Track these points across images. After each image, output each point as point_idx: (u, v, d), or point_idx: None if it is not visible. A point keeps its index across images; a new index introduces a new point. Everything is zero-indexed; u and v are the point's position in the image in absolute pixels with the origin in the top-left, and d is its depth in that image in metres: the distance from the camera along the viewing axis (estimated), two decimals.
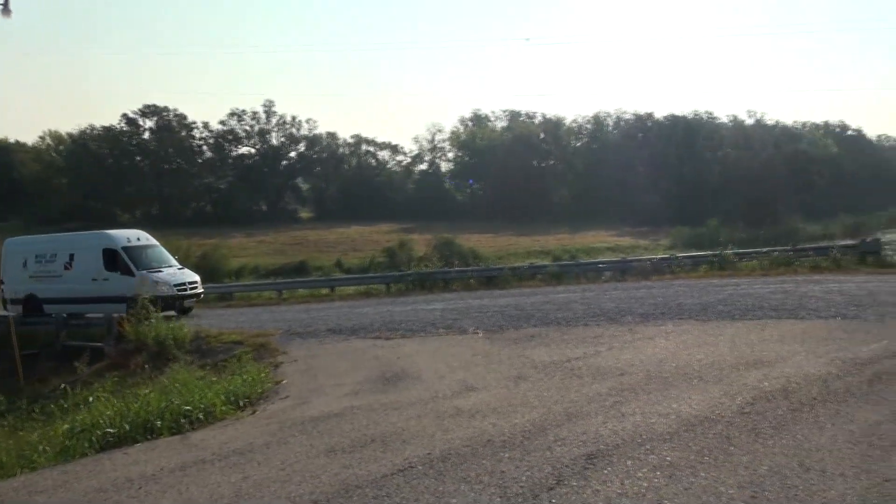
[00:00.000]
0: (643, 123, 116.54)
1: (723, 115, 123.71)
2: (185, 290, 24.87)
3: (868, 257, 25.52)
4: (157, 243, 26.77)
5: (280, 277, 44.01)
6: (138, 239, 26.14)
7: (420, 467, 6.78)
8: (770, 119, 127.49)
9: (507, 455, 6.94)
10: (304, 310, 23.74)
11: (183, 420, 9.58)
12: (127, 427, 9.11)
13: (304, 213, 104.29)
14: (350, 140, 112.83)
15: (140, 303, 21.52)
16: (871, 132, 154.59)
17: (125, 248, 24.96)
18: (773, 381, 9.25)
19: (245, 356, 14.60)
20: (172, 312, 23.36)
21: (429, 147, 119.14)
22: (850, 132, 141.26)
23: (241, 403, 10.56)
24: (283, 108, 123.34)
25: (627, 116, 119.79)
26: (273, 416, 9.64)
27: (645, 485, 6.03)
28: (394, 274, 32.73)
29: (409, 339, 15.63)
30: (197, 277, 26.08)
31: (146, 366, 14.33)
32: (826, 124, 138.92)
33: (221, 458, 7.67)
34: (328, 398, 10.47)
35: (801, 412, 7.88)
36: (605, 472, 6.37)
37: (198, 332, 17.75)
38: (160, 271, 24.86)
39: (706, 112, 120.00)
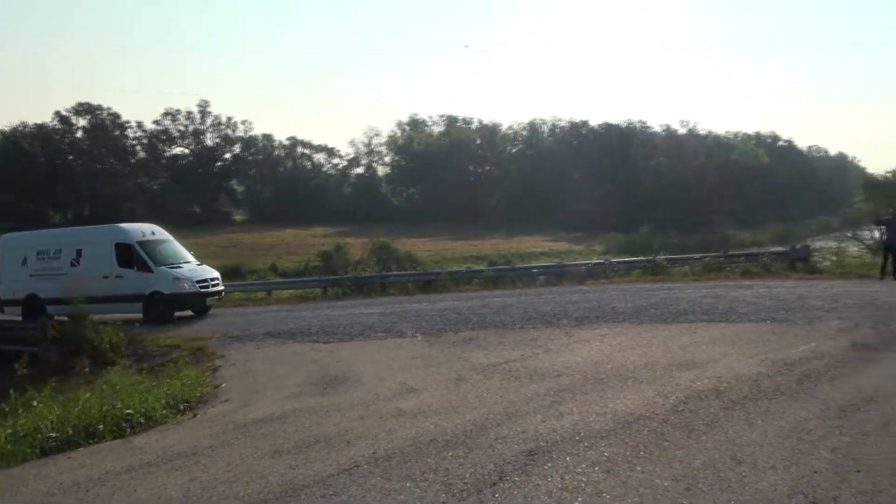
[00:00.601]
0: (578, 131, 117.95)
1: (656, 125, 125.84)
2: (208, 287, 23.36)
3: (798, 263, 26.26)
4: (172, 238, 25.20)
5: None
6: (153, 233, 24.49)
7: (366, 466, 6.92)
8: (703, 129, 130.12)
9: (450, 453, 7.13)
10: (240, 313, 23.51)
11: (124, 424, 9.55)
12: (70, 431, 9.04)
13: (239, 216, 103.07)
14: (286, 142, 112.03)
15: (160, 301, 22.02)
16: (802, 143, 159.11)
17: (141, 243, 23.33)
18: (706, 381, 9.60)
19: (182, 360, 14.51)
20: (189, 312, 23.12)
21: (365, 151, 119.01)
22: (781, 143, 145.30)
23: (181, 407, 10.55)
24: (219, 109, 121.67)
25: (563, 124, 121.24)
26: (214, 419, 9.67)
27: (584, 479, 6.28)
28: (331, 278, 32.64)
29: (348, 342, 15.68)
30: (217, 274, 24.63)
31: (87, 370, 14.17)
32: (758, 135, 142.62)
33: (167, 460, 7.70)
34: (269, 401, 10.51)
35: (733, 410, 8.21)
36: (546, 467, 6.60)
37: (134, 336, 17.59)
38: (179, 267, 23.39)
39: (640, 121, 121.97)
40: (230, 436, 8.51)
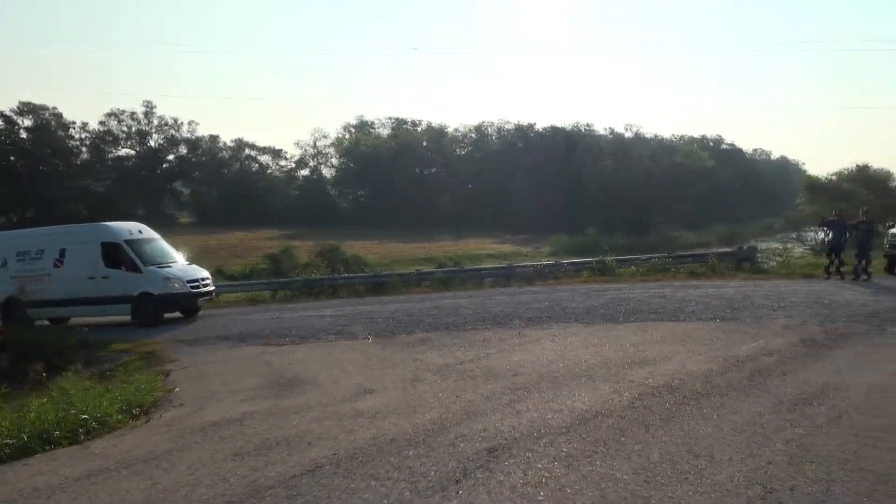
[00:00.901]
0: (525, 134, 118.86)
1: (602, 128, 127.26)
2: (199, 287, 22.64)
3: (743, 264, 26.69)
4: (159, 237, 24.32)
5: None
6: (140, 232, 23.55)
7: (328, 467, 6.92)
8: (648, 132, 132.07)
9: (412, 452, 7.17)
10: (189, 317, 23.22)
11: (79, 430, 9.39)
12: (26, 438, 8.87)
13: (184, 219, 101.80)
14: (232, 144, 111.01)
15: (149, 302, 21.37)
16: (746, 146, 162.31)
17: (128, 242, 22.39)
18: (658, 378, 9.77)
19: (133, 364, 14.29)
20: (178, 314, 22.54)
21: (312, 153, 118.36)
22: (725, 146, 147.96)
23: (135, 412, 10.42)
24: (164, 110, 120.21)
25: (509, 126, 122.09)
26: (170, 423, 9.56)
27: (546, 474, 6.37)
28: (280, 280, 32.47)
29: (301, 345, 15.62)
30: (207, 273, 23.89)
31: (43, 375, 13.88)
32: (702, 138, 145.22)
33: (126, 465, 7.61)
34: (224, 405, 10.43)
35: (687, 405, 8.38)
36: (508, 463, 6.68)
37: (83, 341, 17.30)
38: (169, 267, 22.57)
39: (586, 124, 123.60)
40: (188, 439, 8.43)
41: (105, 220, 24.24)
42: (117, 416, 9.94)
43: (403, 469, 6.70)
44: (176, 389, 11.85)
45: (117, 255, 22.15)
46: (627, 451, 6.91)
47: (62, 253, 22.90)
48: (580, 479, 6.22)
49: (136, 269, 21.82)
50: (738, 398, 8.64)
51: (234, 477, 6.88)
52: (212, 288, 23.94)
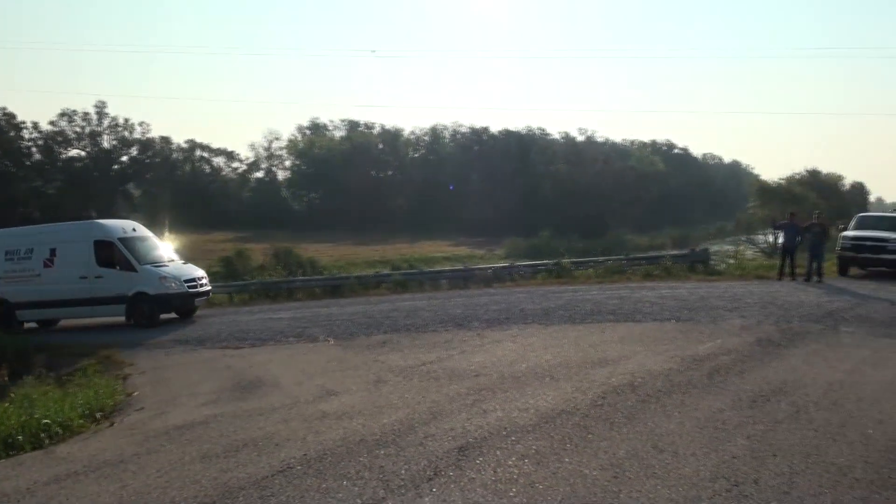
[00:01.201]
0: (479, 137, 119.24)
1: (555, 132, 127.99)
2: (196, 286, 22.02)
3: (697, 266, 27.10)
4: (152, 234, 23.75)
5: None
6: (134, 230, 22.82)
7: (299, 467, 6.94)
8: (600, 136, 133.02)
9: (382, 452, 7.21)
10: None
11: (42, 434, 9.31)
12: None
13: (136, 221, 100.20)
14: (184, 145, 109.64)
15: (145, 303, 20.76)
16: (697, 151, 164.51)
17: (122, 240, 21.63)
18: (620, 377, 9.92)
19: (91, 368, 14.14)
20: (173, 315, 22.02)
21: (265, 155, 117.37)
22: (676, 150, 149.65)
23: (97, 416, 10.33)
24: (117, 110, 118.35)
25: (464, 130, 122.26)
26: (133, 427, 9.50)
27: (516, 471, 6.47)
28: (237, 283, 32.32)
29: (260, 347, 15.59)
30: (203, 273, 23.33)
31: (6, 379, 13.65)
32: (653, 142, 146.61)
33: (94, 469, 7.56)
34: (186, 408, 10.38)
35: (650, 403, 8.53)
36: (478, 461, 6.77)
37: (41, 345, 17.08)
38: (165, 266, 21.95)
39: (539, 128, 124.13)
40: (154, 443, 8.39)
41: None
42: (80, 421, 9.87)
43: (375, 468, 6.74)
44: (136, 393, 11.79)
45: (111, 253, 21.48)
46: (594, 448, 7.03)
47: (53, 252, 22.07)
48: (550, 476, 6.33)
49: (130, 268, 21.19)
50: (699, 396, 8.82)
51: (205, 479, 6.87)
52: (208, 288, 23.44)
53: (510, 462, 6.71)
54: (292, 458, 7.26)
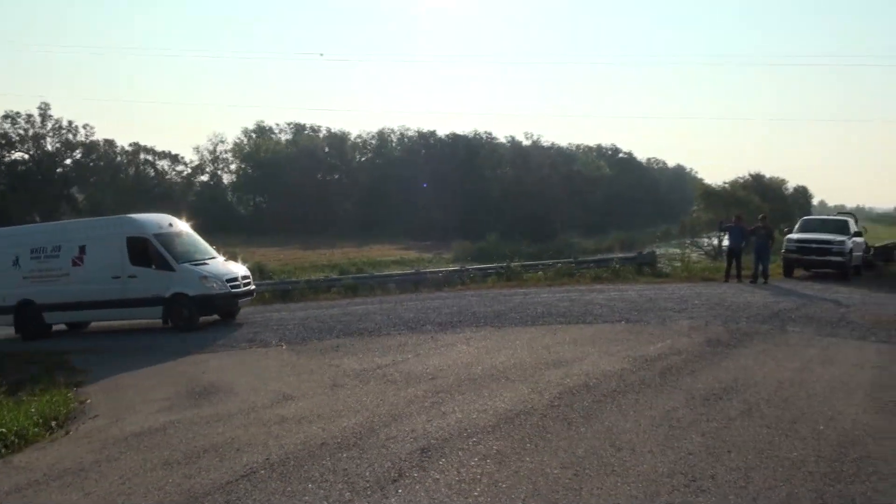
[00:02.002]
0: (426, 141, 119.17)
1: (501, 136, 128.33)
2: (239, 286, 20.30)
3: (645, 268, 27.53)
4: (191, 230, 21.95)
5: None
6: (170, 225, 21.03)
7: (263, 472, 6.97)
8: (546, 141, 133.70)
9: (345, 455, 7.27)
10: (93, 326, 22.29)
11: None
12: None
13: None
14: (128, 148, 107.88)
15: (184, 305, 19.31)
16: (642, 155, 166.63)
17: (157, 237, 19.97)
18: (575, 378, 10.11)
19: (43, 376, 13.92)
20: (216, 316, 20.56)
21: (210, 158, 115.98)
22: (621, 154, 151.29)
23: (51, 425, 10.19)
24: (60, 112, 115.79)
25: (411, 133, 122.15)
26: (90, 434, 9.40)
27: (479, 471, 6.59)
28: None
29: (212, 353, 15.47)
30: (247, 271, 21.64)
31: None
32: (599, 147, 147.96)
33: (55, 478, 7.48)
34: (142, 415, 10.29)
35: (605, 403, 8.72)
36: (441, 462, 6.87)
37: None
38: (205, 264, 20.16)
39: (486, 132, 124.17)
40: (113, 450, 8.32)
41: None
42: (35, 430, 9.71)
43: (339, 471, 6.80)
44: (90, 401, 11.62)
45: (145, 251, 19.82)
46: (554, 447, 7.18)
47: (82, 250, 20.48)
48: (512, 475, 6.46)
49: (167, 267, 19.54)
50: (653, 395, 9.03)
51: (169, 485, 6.86)
52: (252, 287, 21.60)
53: (472, 462, 6.82)
54: (255, 462, 7.27)
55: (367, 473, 6.67)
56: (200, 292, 19.26)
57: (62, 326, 21.67)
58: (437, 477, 6.49)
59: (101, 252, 20.19)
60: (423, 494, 6.12)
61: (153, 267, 19.63)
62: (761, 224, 23.88)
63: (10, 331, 20.99)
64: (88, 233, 20.91)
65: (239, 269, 21.13)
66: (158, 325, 19.67)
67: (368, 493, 6.21)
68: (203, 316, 19.81)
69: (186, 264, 19.64)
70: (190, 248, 20.77)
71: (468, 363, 11.88)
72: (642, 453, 6.84)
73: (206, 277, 19.46)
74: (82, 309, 20.45)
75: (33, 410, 10.49)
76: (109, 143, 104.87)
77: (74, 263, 20.39)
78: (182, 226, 21.56)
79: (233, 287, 19.94)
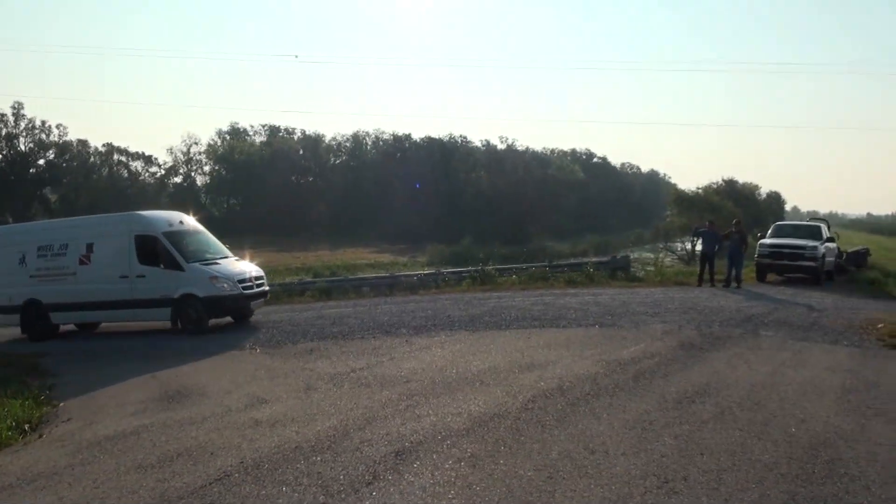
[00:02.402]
0: (402, 144, 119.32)
1: (476, 140, 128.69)
2: (252, 287, 19.46)
3: (619, 272, 27.67)
4: (203, 228, 21.11)
5: None
6: (181, 222, 20.16)
7: (237, 475, 6.95)
8: (521, 145, 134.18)
9: (319, 458, 7.27)
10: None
11: None
12: None
13: None
14: (101, 149, 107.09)
15: (193, 306, 18.42)
16: (616, 160, 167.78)
17: (167, 235, 19.11)
18: (549, 381, 10.15)
19: (14, 379, 13.79)
20: (229, 318, 19.93)
21: (184, 159, 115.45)
22: (595, 159, 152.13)
23: (24, 428, 10.10)
24: (33, 112, 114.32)
25: (386, 136, 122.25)
26: (63, 438, 9.31)
27: (453, 474, 6.61)
28: None
29: (185, 356, 15.37)
30: (261, 271, 20.68)
31: None
32: (573, 151, 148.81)
33: (29, 481, 7.43)
34: (115, 418, 10.21)
35: (579, 406, 8.78)
36: (416, 465, 6.89)
37: None
38: (216, 263, 19.26)
39: (461, 136, 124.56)
40: (86, 454, 8.26)
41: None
42: (8, 433, 9.63)
43: (313, 474, 6.79)
44: (62, 404, 11.52)
45: (154, 249, 18.94)
46: (528, 449, 7.22)
47: (89, 248, 19.63)
48: (486, 478, 6.48)
49: (176, 266, 18.64)
50: (626, 398, 9.10)
51: (143, 489, 6.82)
52: (266, 288, 20.79)
53: (447, 465, 6.84)
54: (229, 465, 7.25)
55: (342, 476, 6.67)
56: (210, 293, 18.39)
57: (72, 327, 21.15)
58: (412, 480, 6.50)
59: (108, 250, 19.43)
60: (397, 497, 6.13)
61: (162, 266, 18.81)
62: (735, 229, 24.07)
63: (17, 331, 20.46)
64: (96, 230, 20.16)
65: (251, 268, 20.21)
66: (168, 328, 19.11)
67: (342, 496, 6.21)
68: (213, 318, 19.04)
69: (196, 264, 18.74)
70: (201, 247, 20.00)
71: (442, 366, 11.89)
72: (615, 456, 6.90)
73: (216, 277, 18.54)
74: (90, 309, 19.71)
75: (6, 414, 10.40)
76: (83, 144, 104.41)
77: (81, 262, 19.63)
78: (192, 223, 20.74)
79: (245, 288, 19.08)
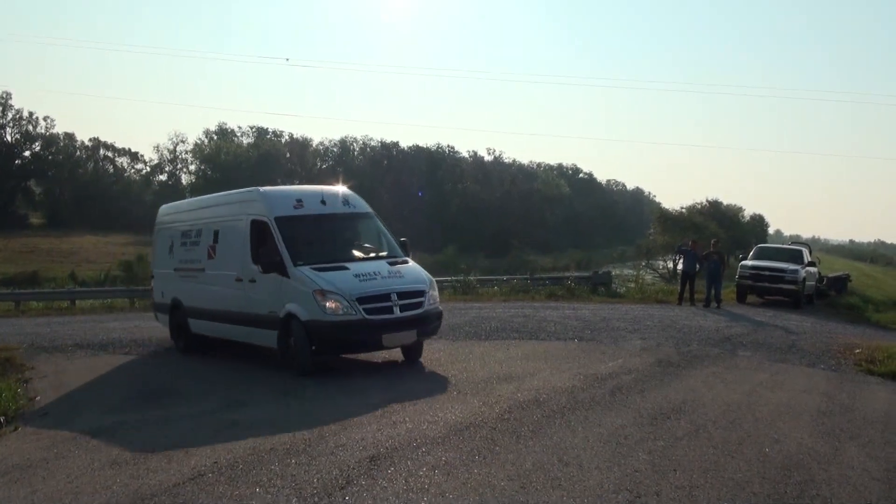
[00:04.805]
0: (389, 151, 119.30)
1: (464, 151, 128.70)
2: (390, 309, 12.29)
3: (600, 288, 27.84)
4: (369, 211, 14.55)
5: (15, 288, 37.97)
6: (322, 202, 13.74)
7: (210, 475, 6.93)
8: (508, 158, 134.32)
9: (293, 461, 7.26)
10: (45, 323, 21.78)
11: None
12: None
13: (35, 219, 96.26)
14: (88, 143, 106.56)
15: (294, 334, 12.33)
16: (602, 176, 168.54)
17: (283, 220, 13.01)
18: (526, 393, 10.18)
19: None
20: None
21: (170, 158, 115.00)
22: (582, 175, 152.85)
23: (0, 421, 10.05)
24: (21, 103, 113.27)
25: (374, 143, 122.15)
26: (39, 432, 9.24)
27: (427, 481, 6.62)
28: (140, 288, 31.52)
29: (164, 354, 15.41)
30: (424, 283, 13.06)
31: None
32: (560, 166, 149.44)
33: (2, 473, 7.42)
34: (92, 414, 10.17)
35: (555, 418, 8.81)
36: (390, 471, 6.90)
37: None
38: (343, 268, 12.55)
39: (448, 146, 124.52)
40: (61, 448, 8.23)
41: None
42: None
43: (287, 476, 6.79)
44: (38, 398, 11.45)
45: (266, 243, 13.07)
46: (502, 459, 7.24)
47: (216, 236, 14.79)
48: (460, 486, 6.50)
49: (282, 269, 12.55)
50: (602, 412, 9.14)
51: (116, 485, 6.82)
52: (423, 311, 12.75)
53: (421, 472, 6.85)
54: (203, 465, 7.23)
55: (315, 480, 6.66)
56: (313, 316, 11.98)
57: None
58: (385, 485, 6.51)
59: (230, 241, 14.28)
60: (370, 502, 6.14)
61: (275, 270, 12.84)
62: (713, 249, 24.25)
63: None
64: (222, 211, 15.17)
65: (404, 280, 12.90)
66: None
67: (316, 499, 6.21)
68: (322, 354, 12.50)
69: (305, 268, 12.38)
70: (340, 242, 13.96)
71: (420, 375, 11.92)
72: (589, 469, 6.93)
73: (322, 292, 12.00)
74: (213, 319, 14.73)
75: None
76: (69, 137, 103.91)
77: (209, 255, 14.96)
78: (341, 203, 14.16)
79: (374, 310, 12.09)
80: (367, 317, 11.97)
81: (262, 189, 14.10)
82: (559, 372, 11.86)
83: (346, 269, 12.53)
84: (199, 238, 15.40)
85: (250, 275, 13.32)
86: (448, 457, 7.33)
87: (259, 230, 13.25)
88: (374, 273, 12.64)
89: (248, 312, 13.42)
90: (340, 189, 14.88)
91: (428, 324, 12.95)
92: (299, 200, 13.51)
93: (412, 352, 13.37)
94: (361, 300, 12.00)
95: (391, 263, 13.20)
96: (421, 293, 12.82)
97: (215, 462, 7.33)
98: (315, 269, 12.37)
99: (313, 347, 12.11)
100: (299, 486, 6.53)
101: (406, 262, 13.64)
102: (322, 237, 13.70)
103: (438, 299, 13.74)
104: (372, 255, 13.78)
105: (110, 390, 11.99)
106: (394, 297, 12.35)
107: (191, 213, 16.52)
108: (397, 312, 12.30)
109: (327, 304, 11.90)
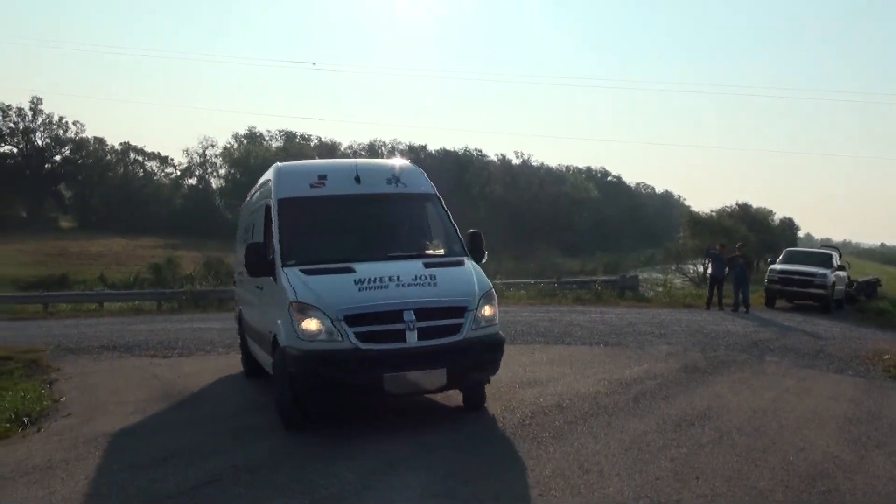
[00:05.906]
0: (417, 154, 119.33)
1: (492, 154, 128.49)
2: (401, 333, 8.31)
3: (627, 292, 27.68)
4: (428, 192, 11.49)
5: (44, 290, 38.10)
6: (356, 179, 10.24)
7: (227, 478, 6.92)
8: (536, 161, 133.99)
9: (310, 465, 7.23)
10: (73, 325, 22.09)
11: None
12: None
13: (65, 223, 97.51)
14: (118, 147, 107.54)
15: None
16: (631, 179, 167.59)
17: (289, 204, 9.79)
18: (548, 398, 10.09)
19: (16, 373, 13.74)
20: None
21: (199, 161, 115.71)
22: (610, 178, 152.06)
23: (24, 421, 10.09)
24: (51, 108, 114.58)
25: (402, 147, 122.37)
26: (61, 433, 9.30)
27: (442, 488, 6.57)
28: (167, 291, 31.77)
29: (189, 357, 15.41)
30: (468, 293, 9.18)
31: None
32: (588, 169, 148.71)
33: (23, 474, 7.42)
34: (114, 416, 10.19)
35: (576, 424, 8.70)
36: (407, 476, 6.88)
37: None
38: (346, 270, 8.87)
39: (476, 149, 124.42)
40: (82, 450, 8.25)
41: None
42: (7, 425, 9.63)
43: (303, 480, 6.76)
44: (63, 399, 11.51)
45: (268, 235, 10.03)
46: (521, 466, 7.15)
47: (253, 230, 11.90)
48: (478, 493, 6.43)
49: (271, 270, 9.31)
50: (625, 418, 9.02)
51: (133, 487, 6.82)
52: (468, 335, 8.77)
53: (436, 479, 6.80)
54: (220, 468, 7.23)
55: (332, 485, 6.62)
56: (289, 342, 8.48)
57: None
58: (402, 491, 6.46)
59: (255, 235, 11.31)
60: None
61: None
62: (739, 253, 24.01)
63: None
64: (257, 196, 12.18)
65: (445, 289, 9.03)
66: None
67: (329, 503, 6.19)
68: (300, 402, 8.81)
69: (294, 269, 8.95)
70: (368, 233, 10.29)
71: None
72: (609, 476, 6.82)
73: (299, 305, 8.42)
74: (252, 339, 12.03)
75: (5, 406, 10.42)
76: (99, 141, 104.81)
77: None
78: (383, 184, 10.58)
79: (370, 337, 8.28)
80: (359, 345, 8.15)
81: (280, 164, 10.95)
82: (583, 377, 11.74)
83: (351, 271, 8.81)
84: (248, 233, 12.30)
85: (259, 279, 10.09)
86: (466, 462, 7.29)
87: (269, 219, 9.99)
88: (389, 278, 8.73)
89: (259, 330, 10.72)
90: (390, 162, 11.50)
91: (469, 358, 8.72)
92: (322, 177, 10.19)
93: (472, 394, 9.62)
94: (352, 319, 8.22)
95: (429, 265, 9.35)
96: (459, 311, 8.81)
97: (233, 465, 7.33)
98: (304, 270, 8.87)
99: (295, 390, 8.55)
100: (314, 490, 6.50)
101: (459, 263, 9.93)
102: (343, 226, 10.26)
103: (498, 319, 9.90)
104: (413, 252, 10.12)
105: (134, 392, 11.97)
106: (409, 315, 8.34)
107: (252, 198, 12.76)
108: (412, 340, 8.28)
109: (303, 323, 8.28)
